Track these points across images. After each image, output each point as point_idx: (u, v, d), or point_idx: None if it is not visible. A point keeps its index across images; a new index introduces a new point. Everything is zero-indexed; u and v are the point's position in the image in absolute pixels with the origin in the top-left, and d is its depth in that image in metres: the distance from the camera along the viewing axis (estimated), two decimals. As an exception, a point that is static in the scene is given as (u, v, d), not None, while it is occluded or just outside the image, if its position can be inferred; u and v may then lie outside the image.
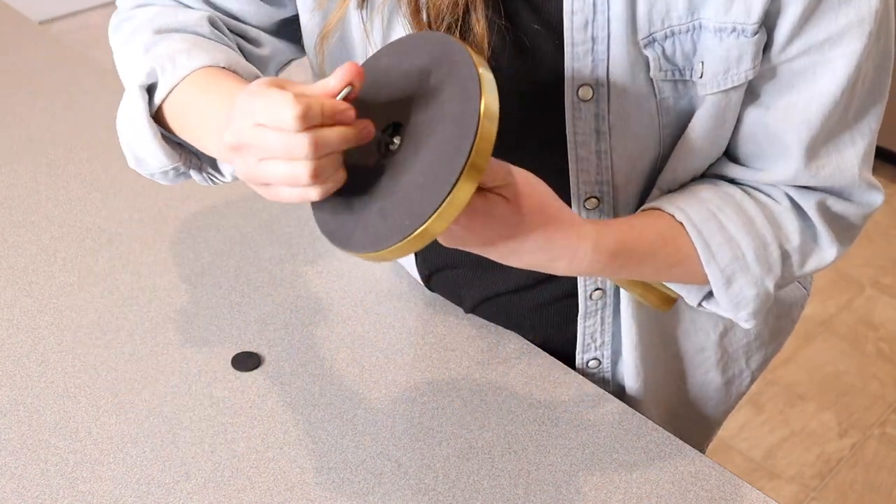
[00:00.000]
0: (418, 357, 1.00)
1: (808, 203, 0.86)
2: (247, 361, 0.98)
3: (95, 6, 3.68)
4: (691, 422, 1.11)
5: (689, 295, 0.91)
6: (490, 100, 0.68)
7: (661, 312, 0.99)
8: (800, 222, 0.87)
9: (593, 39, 0.82)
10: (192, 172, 0.88)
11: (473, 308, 1.04)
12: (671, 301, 0.93)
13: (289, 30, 0.94)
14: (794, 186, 0.86)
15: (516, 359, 0.99)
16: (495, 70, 0.88)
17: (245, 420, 0.93)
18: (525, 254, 0.77)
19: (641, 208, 0.89)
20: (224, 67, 0.83)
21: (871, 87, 0.83)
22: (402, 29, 0.85)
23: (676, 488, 0.87)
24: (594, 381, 1.01)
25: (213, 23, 0.89)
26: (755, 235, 0.85)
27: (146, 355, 0.99)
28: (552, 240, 0.77)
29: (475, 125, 0.66)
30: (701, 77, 0.81)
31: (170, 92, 0.82)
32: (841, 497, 1.98)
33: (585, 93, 0.83)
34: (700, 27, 0.80)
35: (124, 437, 0.91)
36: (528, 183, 0.75)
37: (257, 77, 0.84)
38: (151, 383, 0.96)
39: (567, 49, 0.82)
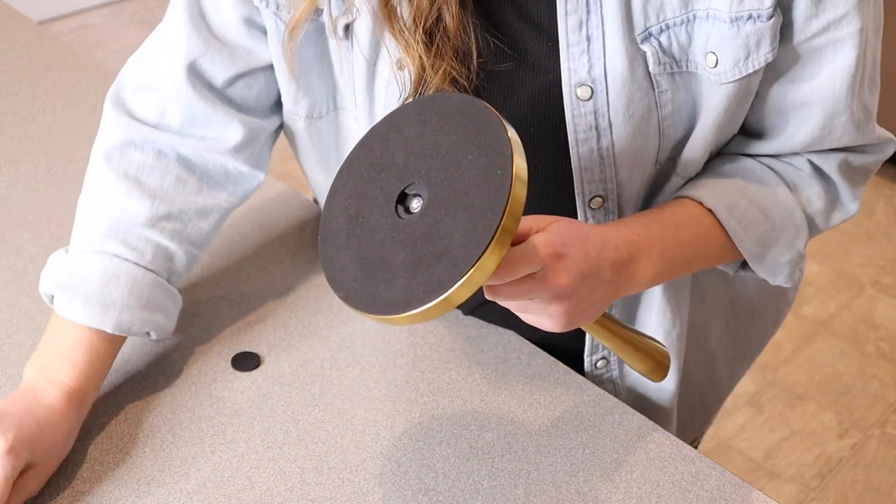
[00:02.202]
0: (418, 357, 0.99)
1: (830, 165, 0.90)
2: (247, 361, 0.98)
3: (95, 6, 3.68)
4: (692, 406, 1.11)
5: (726, 266, 0.95)
6: (520, 162, 0.66)
7: (689, 313, 0.99)
8: (821, 185, 0.91)
9: (588, 39, 0.81)
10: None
11: (472, 311, 1.04)
12: (664, 369, 0.89)
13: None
14: (816, 151, 0.90)
15: (516, 359, 0.99)
16: (489, 76, 0.87)
17: (245, 420, 0.93)
18: (601, 284, 0.79)
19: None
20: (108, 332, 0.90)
21: (874, 50, 0.87)
22: (387, 53, 0.84)
23: (676, 488, 0.87)
24: (602, 382, 1.01)
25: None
26: (779, 207, 0.89)
27: (146, 355, 0.99)
28: (605, 250, 0.79)
29: (508, 187, 0.64)
30: (715, 66, 0.82)
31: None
32: (841, 497, 1.98)
33: (584, 92, 0.83)
34: (694, 18, 0.81)
35: (124, 437, 0.91)
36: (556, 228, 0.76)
37: (160, 327, 0.93)
38: (151, 383, 0.96)
39: (562, 51, 0.82)
